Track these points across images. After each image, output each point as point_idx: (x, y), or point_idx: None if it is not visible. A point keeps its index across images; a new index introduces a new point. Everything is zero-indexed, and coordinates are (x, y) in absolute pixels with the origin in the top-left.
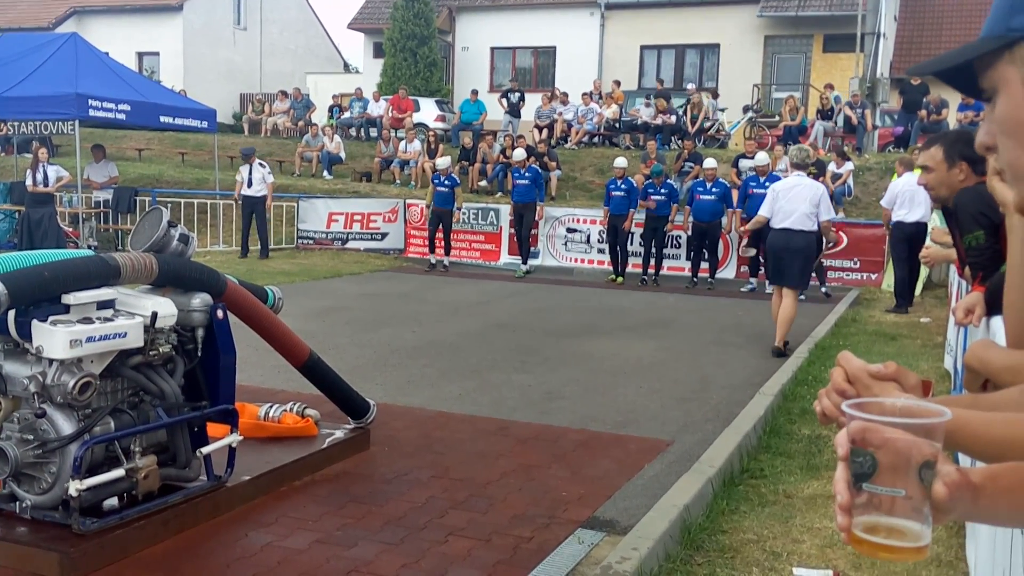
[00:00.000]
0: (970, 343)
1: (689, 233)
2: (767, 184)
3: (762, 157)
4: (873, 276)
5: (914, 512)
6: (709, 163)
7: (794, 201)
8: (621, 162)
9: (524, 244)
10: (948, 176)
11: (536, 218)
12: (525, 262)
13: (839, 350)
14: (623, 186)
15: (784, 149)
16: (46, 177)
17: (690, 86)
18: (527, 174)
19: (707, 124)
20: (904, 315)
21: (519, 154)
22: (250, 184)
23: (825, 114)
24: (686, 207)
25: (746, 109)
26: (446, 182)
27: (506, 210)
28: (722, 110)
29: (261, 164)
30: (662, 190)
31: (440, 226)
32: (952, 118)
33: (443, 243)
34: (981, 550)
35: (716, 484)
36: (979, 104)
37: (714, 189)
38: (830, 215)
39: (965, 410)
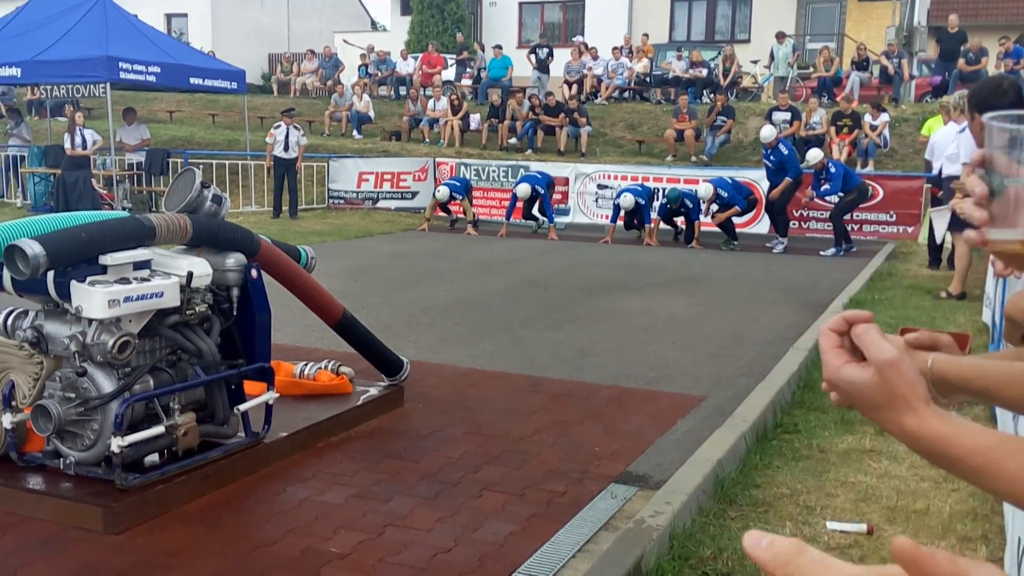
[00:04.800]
0: (1010, 295)
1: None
2: (771, 157)
3: (767, 133)
4: (909, 229)
5: None
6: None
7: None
8: (628, 201)
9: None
10: (972, 128)
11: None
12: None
13: (874, 304)
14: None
15: (819, 101)
16: (84, 140)
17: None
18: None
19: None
20: (937, 270)
21: (523, 191)
22: (286, 147)
23: (860, 65)
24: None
25: None
26: (455, 196)
27: (536, 167)
28: (754, 62)
29: (296, 127)
30: (683, 207)
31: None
32: (991, 67)
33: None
34: None
35: (749, 439)
36: (1019, 51)
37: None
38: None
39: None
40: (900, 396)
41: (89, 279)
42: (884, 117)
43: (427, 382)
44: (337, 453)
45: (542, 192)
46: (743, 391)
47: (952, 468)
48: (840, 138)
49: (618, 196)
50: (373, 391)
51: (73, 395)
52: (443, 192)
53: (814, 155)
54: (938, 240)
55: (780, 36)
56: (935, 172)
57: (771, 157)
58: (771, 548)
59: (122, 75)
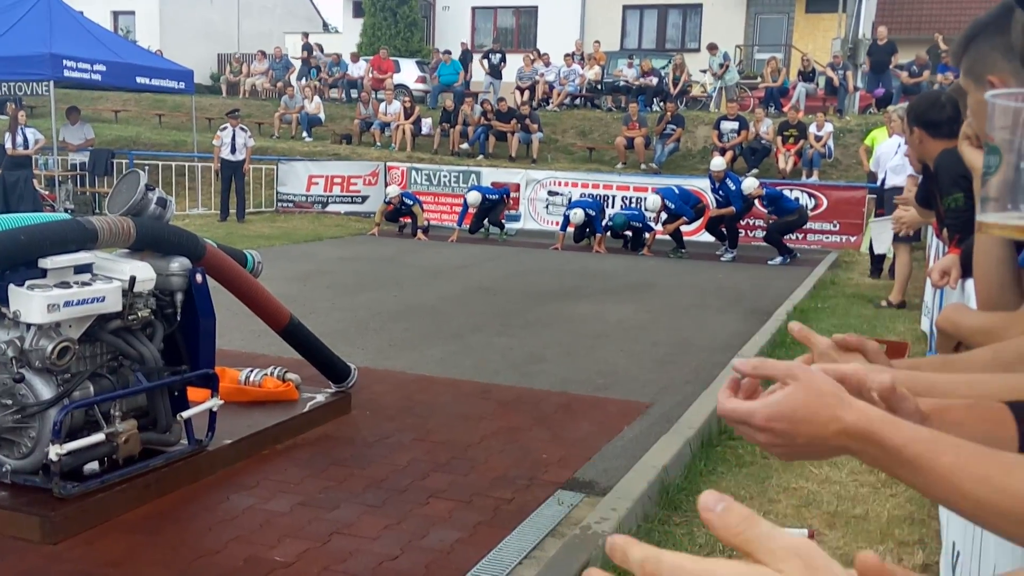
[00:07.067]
0: (947, 304)
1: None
2: (721, 192)
3: (717, 164)
4: (852, 239)
5: None
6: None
7: None
8: (578, 217)
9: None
10: (911, 141)
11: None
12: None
13: (817, 312)
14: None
15: (765, 112)
16: (25, 139)
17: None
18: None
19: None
20: (878, 279)
21: (473, 198)
22: (233, 150)
23: (807, 76)
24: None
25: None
26: (407, 202)
27: (488, 172)
28: (704, 71)
29: (243, 128)
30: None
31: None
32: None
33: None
34: None
35: (694, 445)
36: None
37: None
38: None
39: (933, 374)
40: (828, 392)
41: (28, 283)
42: (828, 128)
43: (375, 388)
44: (282, 460)
45: (495, 199)
46: (689, 398)
47: (889, 460)
48: (786, 148)
49: (569, 208)
50: (320, 398)
51: (10, 402)
52: (393, 189)
53: (750, 184)
54: (882, 251)
55: (712, 48)
56: (879, 183)
57: (720, 192)
58: (724, 516)
59: (66, 73)
